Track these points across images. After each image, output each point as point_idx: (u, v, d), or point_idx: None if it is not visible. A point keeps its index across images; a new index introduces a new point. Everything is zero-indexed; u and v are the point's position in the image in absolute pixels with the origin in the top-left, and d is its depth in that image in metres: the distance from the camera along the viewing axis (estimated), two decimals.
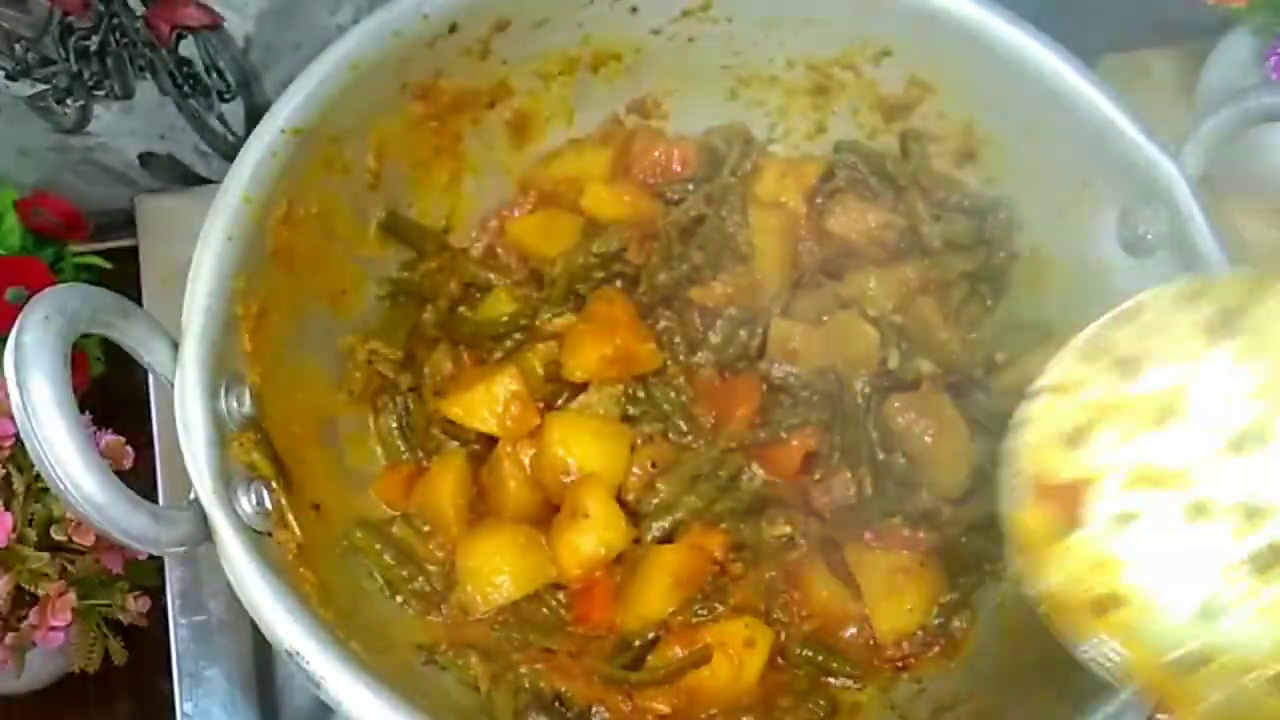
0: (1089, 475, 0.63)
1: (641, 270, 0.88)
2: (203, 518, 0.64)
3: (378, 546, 0.80)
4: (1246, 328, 0.62)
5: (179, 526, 0.63)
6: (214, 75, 1.07)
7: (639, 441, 0.85)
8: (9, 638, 0.87)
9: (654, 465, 0.85)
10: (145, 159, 1.15)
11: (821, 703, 0.79)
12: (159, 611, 0.94)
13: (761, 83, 0.95)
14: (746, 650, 0.79)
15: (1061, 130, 0.83)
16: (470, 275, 0.91)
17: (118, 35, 1.02)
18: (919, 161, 0.92)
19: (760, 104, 0.96)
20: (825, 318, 0.89)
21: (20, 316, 0.59)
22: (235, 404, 0.69)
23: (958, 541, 0.84)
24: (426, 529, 0.83)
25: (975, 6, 0.83)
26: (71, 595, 0.88)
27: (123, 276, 1.07)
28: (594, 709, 0.76)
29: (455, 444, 0.87)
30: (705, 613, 0.81)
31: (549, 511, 0.83)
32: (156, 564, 0.95)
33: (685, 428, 0.86)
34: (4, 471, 0.88)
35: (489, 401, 0.83)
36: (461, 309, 0.90)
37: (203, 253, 0.70)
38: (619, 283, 0.89)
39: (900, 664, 0.82)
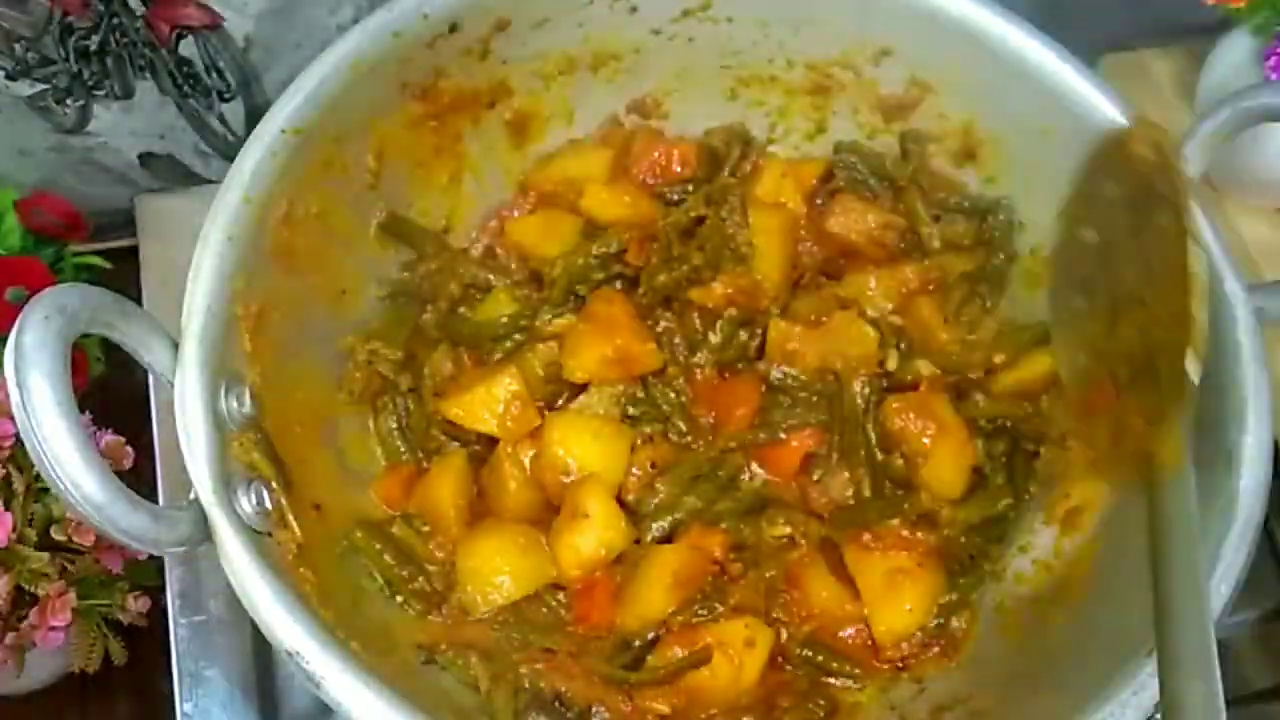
0: None
1: (641, 271, 0.88)
2: (202, 518, 0.64)
3: (377, 546, 0.80)
4: None
5: (179, 527, 0.63)
6: (214, 75, 1.07)
7: (639, 442, 0.85)
8: (9, 638, 0.88)
9: (654, 465, 0.84)
10: (145, 159, 1.15)
11: (821, 703, 0.79)
12: (159, 611, 0.94)
13: (761, 83, 0.95)
14: (746, 650, 0.79)
15: (1061, 130, 0.83)
16: (470, 276, 0.90)
17: (118, 35, 1.02)
18: (918, 162, 0.92)
19: (760, 104, 0.96)
20: (824, 318, 0.89)
21: (20, 317, 0.59)
22: (235, 404, 0.69)
23: (957, 542, 0.84)
24: (426, 529, 0.83)
25: (975, 6, 0.83)
26: (71, 595, 0.88)
27: (123, 276, 1.07)
28: (594, 709, 0.76)
29: (455, 445, 0.86)
30: (705, 613, 0.80)
31: (549, 512, 0.83)
32: (156, 564, 0.95)
33: (685, 428, 0.86)
34: (4, 471, 0.88)
35: (489, 402, 0.83)
36: (461, 310, 0.90)
37: (202, 253, 0.70)
38: (619, 284, 0.89)
39: (900, 664, 0.82)
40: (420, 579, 0.81)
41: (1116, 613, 0.72)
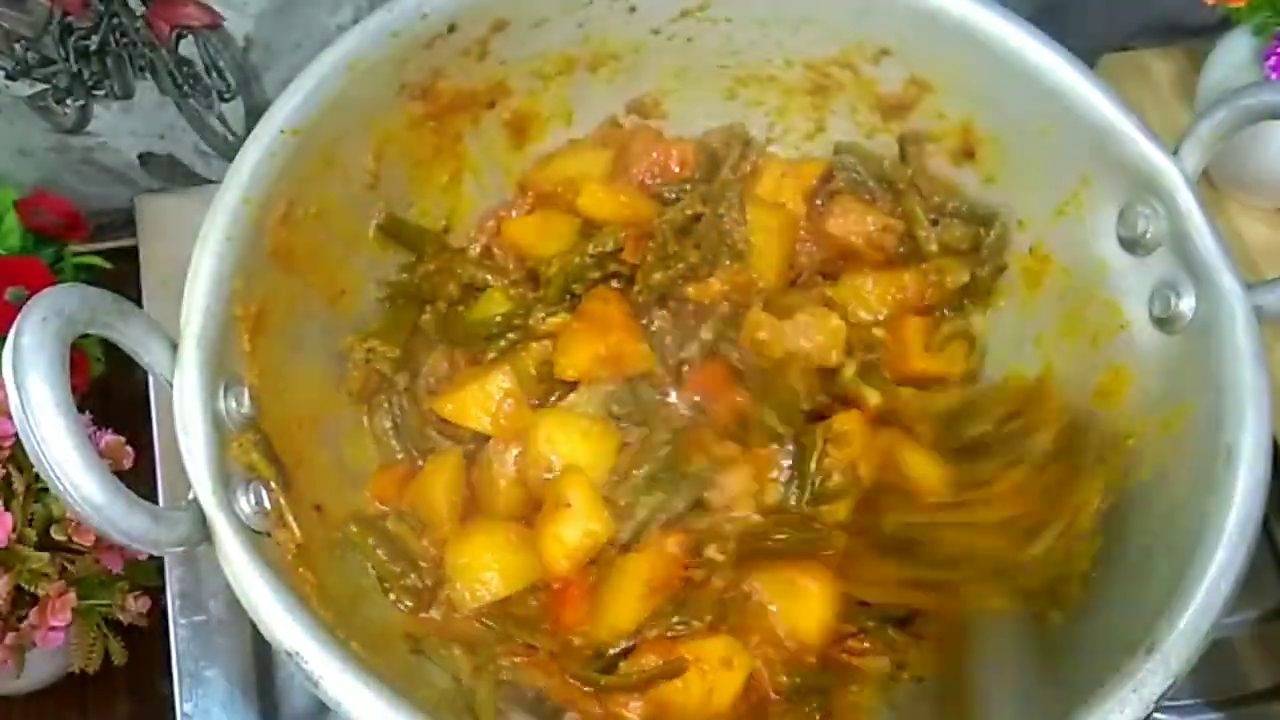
0: None
1: (637, 270, 0.88)
2: (202, 518, 0.64)
3: (371, 541, 0.80)
4: None
5: (178, 527, 0.63)
6: (214, 75, 1.07)
7: (626, 442, 0.85)
8: (9, 638, 0.87)
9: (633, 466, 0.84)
10: (145, 159, 1.15)
11: (814, 704, 0.80)
12: (159, 611, 0.94)
13: (760, 82, 0.95)
14: (722, 669, 0.78)
15: (1060, 128, 0.83)
16: (468, 276, 0.91)
17: (118, 35, 1.02)
18: (917, 166, 0.92)
19: (759, 104, 0.96)
20: (799, 312, 0.89)
21: (18, 318, 0.59)
22: (234, 405, 0.69)
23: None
24: (419, 526, 0.83)
25: (974, 6, 0.83)
26: (71, 595, 0.88)
27: (122, 276, 1.07)
28: (567, 709, 0.76)
29: (449, 444, 0.87)
30: (683, 626, 0.80)
31: (538, 510, 0.83)
32: (156, 564, 0.95)
33: (667, 436, 0.86)
34: (4, 471, 0.88)
35: (482, 399, 0.84)
36: (458, 309, 0.90)
37: (201, 254, 0.70)
38: (614, 282, 0.89)
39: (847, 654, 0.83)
40: (413, 575, 0.81)
41: (1116, 611, 0.72)
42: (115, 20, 1.01)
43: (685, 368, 0.89)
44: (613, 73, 0.93)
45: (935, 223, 0.92)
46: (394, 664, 0.76)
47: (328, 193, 0.80)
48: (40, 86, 1.05)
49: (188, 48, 1.04)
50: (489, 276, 0.91)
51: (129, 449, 0.95)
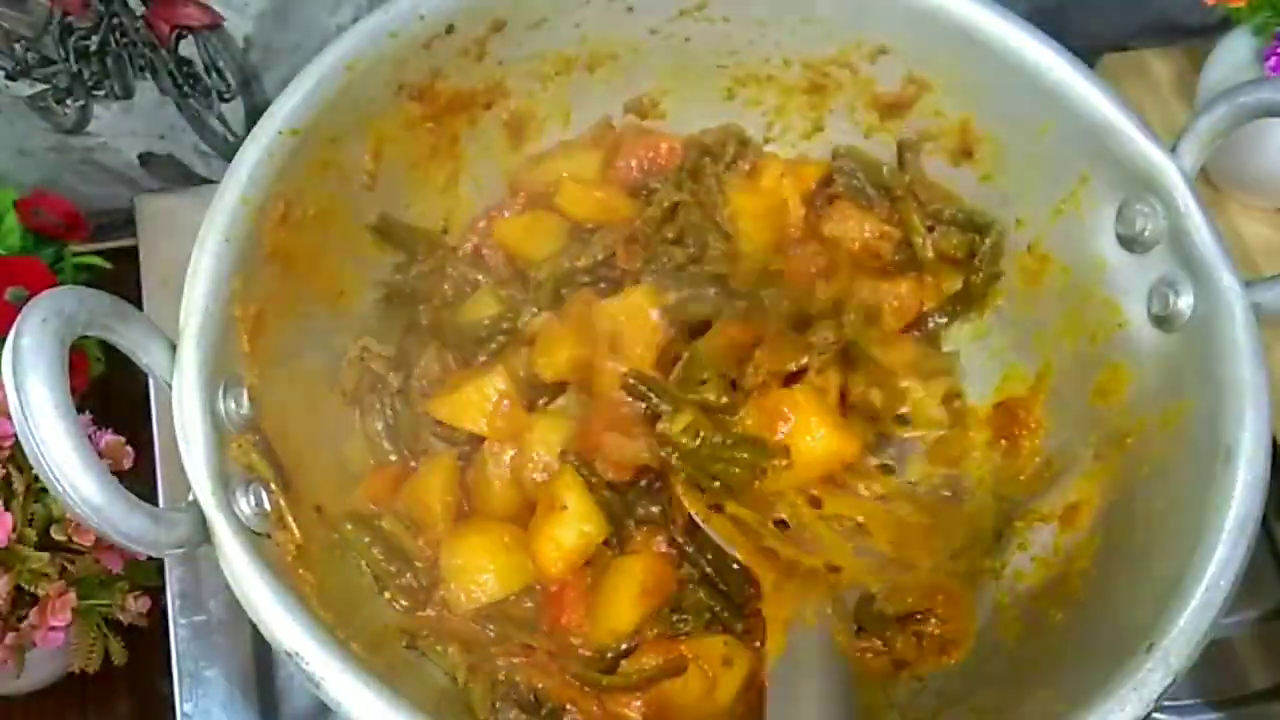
0: None
1: (625, 275, 0.88)
2: (201, 519, 0.64)
3: (366, 540, 0.80)
4: None
5: (178, 528, 0.63)
6: (214, 75, 1.07)
7: None
8: (9, 638, 0.88)
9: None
10: (145, 159, 1.15)
11: None
12: (159, 611, 0.94)
13: (758, 82, 0.95)
14: (723, 668, 0.78)
15: (1059, 127, 0.83)
16: (460, 277, 0.91)
17: (118, 35, 1.02)
18: (915, 172, 0.93)
19: (757, 103, 0.96)
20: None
21: (18, 319, 0.59)
22: (233, 405, 0.69)
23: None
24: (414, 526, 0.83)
25: (973, 5, 0.83)
26: (71, 595, 0.88)
27: (123, 276, 1.08)
28: (566, 709, 0.77)
29: (444, 446, 0.87)
30: (683, 625, 0.81)
31: (533, 512, 0.83)
32: (156, 564, 0.95)
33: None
34: (4, 471, 0.88)
35: (479, 401, 0.84)
36: (448, 310, 0.90)
37: (200, 255, 0.70)
38: (603, 285, 0.89)
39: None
40: (408, 575, 0.81)
41: (1116, 609, 0.72)
42: (115, 20, 1.01)
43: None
44: (610, 73, 0.93)
45: (931, 229, 0.92)
46: (394, 664, 0.76)
47: (326, 193, 0.80)
48: (40, 86, 1.05)
49: (188, 48, 1.04)
50: (479, 277, 0.91)
51: (129, 449, 0.95)
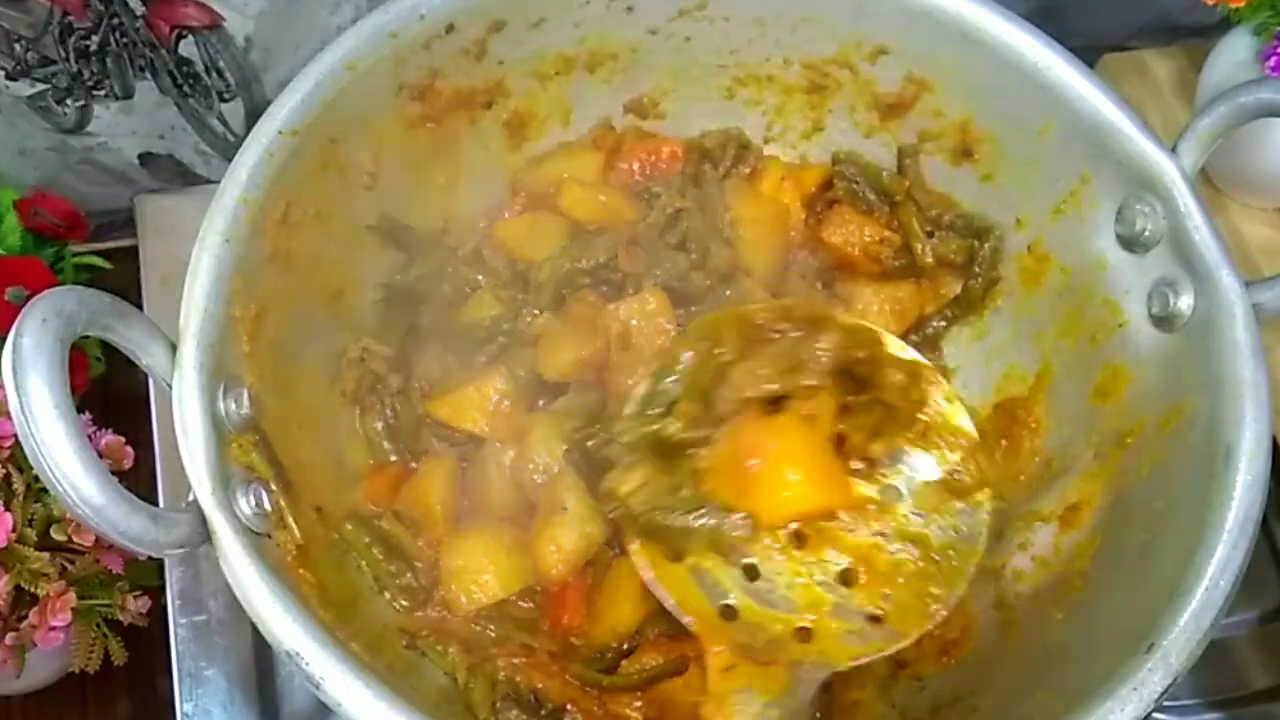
0: None
1: (627, 278, 0.88)
2: (201, 519, 0.64)
3: (366, 540, 0.80)
4: None
5: (178, 528, 0.63)
6: (214, 75, 1.07)
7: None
8: (9, 638, 0.87)
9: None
10: (145, 159, 1.15)
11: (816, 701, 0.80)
12: (159, 611, 0.94)
13: (758, 82, 0.95)
14: None
15: (1059, 127, 0.83)
16: (460, 277, 0.91)
17: (118, 35, 1.02)
18: (915, 178, 0.93)
19: (757, 103, 0.96)
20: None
21: (18, 319, 0.59)
22: (233, 406, 0.69)
23: None
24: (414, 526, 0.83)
25: (973, 5, 0.83)
26: (71, 595, 0.88)
27: (123, 276, 1.08)
28: (568, 709, 0.76)
29: (444, 446, 0.87)
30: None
31: (533, 514, 0.83)
32: (156, 564, 0.95)
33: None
34: (4, 471, 0.88)
35: (480, 402, 0.84)
36: (449, 311, 0.90)
37: (199, 255, 0.70)
38: (604, 288, 0.89)
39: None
40: (408, 574, 0.81)
41: (1116, 609, 0.72)
42: (115, 20, 1.01)
43: None
44: (610, 73, 0.93)
45: (931, 235, 0.92)
46: (394, 664, 0.76)
47: (326, 193, 0.80)
48: (40, 86, 1.05)
49: (188, 48, 1.04)
50: (479, 277, 0.91)
51: (129, 449, 0.95)
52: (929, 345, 0.94)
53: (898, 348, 0.81)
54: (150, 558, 0.92)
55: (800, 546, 0.76)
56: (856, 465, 0.78)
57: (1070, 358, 0.86)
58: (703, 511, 0.74)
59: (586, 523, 0.80)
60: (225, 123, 1.12)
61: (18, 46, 1.02)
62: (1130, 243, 0.80)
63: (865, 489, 0.78)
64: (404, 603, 0.81)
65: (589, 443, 0.80)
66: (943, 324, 0.94)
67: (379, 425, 0.86)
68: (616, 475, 0.75)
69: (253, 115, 1.10)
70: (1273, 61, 1.00)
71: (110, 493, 0.59)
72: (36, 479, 0.88)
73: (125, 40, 1.03)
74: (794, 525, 0.75)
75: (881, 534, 0.77)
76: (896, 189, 0.92)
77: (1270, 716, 0.98)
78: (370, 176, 0.84)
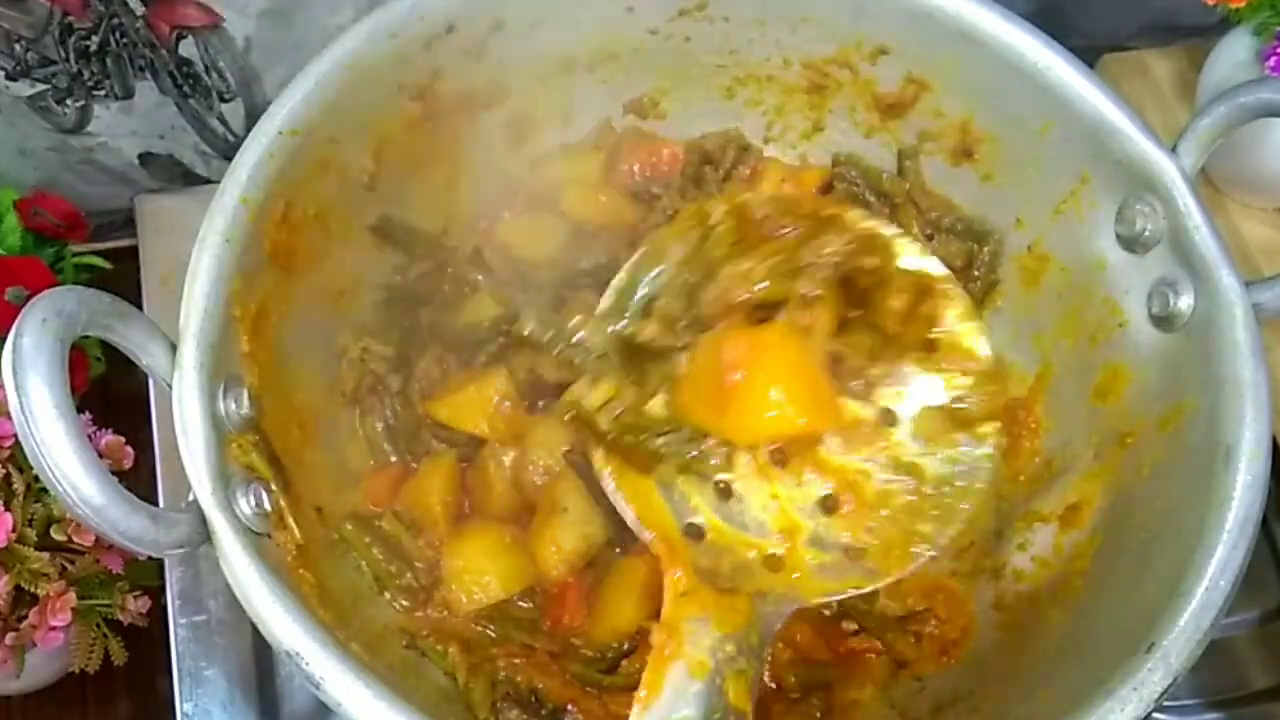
0: None
1: None
2: (201, 519, 0.64)
3: (366, 540, 0.80)
4: None
5: (178, 528, 0.63)
6: (214, 75, 1.07)
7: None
8: (9, 638, 0.88)
9: None
10: (145, 159, 1.15)
11: (815, 702, 0.80)
12: (159, 611, 0.94)
13: (758, 82, 0.95)
14: None
15: (1059, 126, 0.83)
16: (459, 277, 0.91)
17: (118, 35, 1.02)
18: (914, 180, 0.93)
19: (757, 103, 0.96)
20: None
21: (18, 319, 0.59)
22: (233, 406, 0.69)
23: None
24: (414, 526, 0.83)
25: (973, 5, 0.83)
26: (71, 595, 0.88)
27: (123, 276, 1.08)
28: (568, 709, 0.76)
29: (444, 447, 0.87)
30: None
31: (533, 514, 0.83)
32: (156, 564, 0.95)
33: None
34: (4, 471, 0.88)
35: (481, 403, 0.84)
36: (448, 312, 0.90)
37: (199, 255, 0.70)
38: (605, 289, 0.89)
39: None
40: (408, 575, 0.81)
41: (1116, 609, 0.72)
42: (115, 20, 1.01)
43: None
44: (611, 73, 0.93)
45: (931, 237, 0.92)
46: (394, 664, 0.76)
47: (326, 194, 0.80)
48: (40, 86, 1.06)
49: (188, 48, 1.04)
50: (479, 277, 0.91)
51: (129, 449, 0.95)
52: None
53: (914, 253, 0.74)
54: (150, 558, 0.93)
55: (781, 464, 0.70)
56: (854, 384, 0.72)
57: (1070, 358, 0.86)
58: (674, 437, 0.70)
59: (587, 523, 0.80)
60: (225, 123, 1.12)
61: (18, 46, 1.02)
62: (1130, 243, 0.80)
63: (859, 409, 0.72)
64: (404, 603, 0.81)
65: (555, 351, 0.74)
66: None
67: (379, 425, 0.86)
68: (582, 386, 0.70)
69: (253, 115, 1.10)
70: (1273, 61, 1.00)
71: (110, 493, 0.59)
72: (36, 479, 0.88)
73: (125, 40, 1.03)
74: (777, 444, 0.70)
75: (872, 460, 0.71)
76: (896, 192, 0.92)
77: (1270, 716, 0.98)
78: (370, 176, 0.84)
